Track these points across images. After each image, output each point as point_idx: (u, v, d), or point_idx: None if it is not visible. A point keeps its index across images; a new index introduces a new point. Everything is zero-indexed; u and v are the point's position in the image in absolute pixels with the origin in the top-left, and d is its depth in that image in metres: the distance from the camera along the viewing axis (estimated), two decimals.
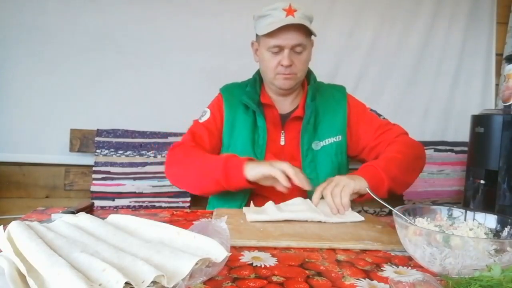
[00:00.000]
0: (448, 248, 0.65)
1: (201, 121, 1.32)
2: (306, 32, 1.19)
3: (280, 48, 1.19)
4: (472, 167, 1.63)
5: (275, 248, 0.81)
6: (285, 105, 1.33)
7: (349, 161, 1.36)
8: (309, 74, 1.34)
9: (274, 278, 0.66)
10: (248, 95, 1.28)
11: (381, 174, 1.07)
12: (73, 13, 1.89)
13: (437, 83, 2.22)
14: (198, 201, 1.86)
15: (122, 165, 1.86)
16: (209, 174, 1.10)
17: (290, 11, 1.16)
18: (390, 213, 0.84)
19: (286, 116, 1.30)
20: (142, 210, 1.18)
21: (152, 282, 0.51)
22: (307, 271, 0.70)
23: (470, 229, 0.78)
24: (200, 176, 1.13)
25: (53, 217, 0.90)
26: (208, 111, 1.33)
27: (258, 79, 1.34)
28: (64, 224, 0.67)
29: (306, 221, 0.98)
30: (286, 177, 1.00)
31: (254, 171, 1.03)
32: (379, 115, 1.33)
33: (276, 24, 1.15)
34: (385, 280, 0.67)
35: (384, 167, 1.08)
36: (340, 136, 1.29)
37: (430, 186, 2.08)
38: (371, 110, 1.34)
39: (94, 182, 1.82)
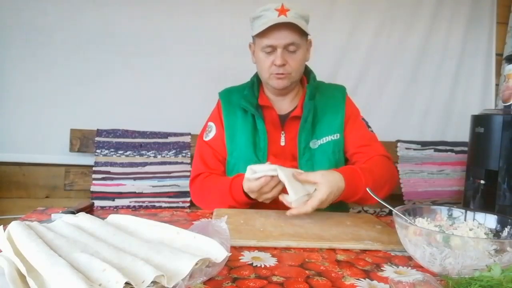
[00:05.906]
0: (448, 248, 0.65)
1: (207, 139, 1.32)
2: (300, 31, 1.19)
3: (273, 48, 1.19)
4: (472, 167, 1.63)
5: (275, 248, 0.81)
6: (284, 105, 1.33)
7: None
8: (308, 74, 1.34)
9: (274, 278, 0.66)
10: (246, 99, 1.29)
11: (361, 186, 1.08)
12: (73, 13, 1.89)
13: (437, 83, 2.22)
14: None
15: (122, 165, 1.86)
16: (223, 201, 1.17)
17: (282, 11, 1.17)
18: (390, 213, 0.84)
19: (286, 116, 1.30)
20: (142, 210, 1.17)
21: (152, 282, 0.51)
22: (307, 271, 0.70)
23: (470, 229, 0.78)
24: (218, 205, 1.18)
25: (53, 217, 0.90)
26: (213, 127, 1.33)
27: (256, 81, 1.34)
28: (64, 224, 0.67)
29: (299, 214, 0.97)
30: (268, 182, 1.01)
31: (245, 185, 1.07)
32: (369, 126, 1.34)
33: (267, 24, 1.16)
34: (385, 280, 0.67)
35: (365, 181, 1.09)
36: (338, 135, 1.28)
37: (430, 186, 2.08)
38: (363, 119, 1.35)
39: (94, 182, 1.82)
